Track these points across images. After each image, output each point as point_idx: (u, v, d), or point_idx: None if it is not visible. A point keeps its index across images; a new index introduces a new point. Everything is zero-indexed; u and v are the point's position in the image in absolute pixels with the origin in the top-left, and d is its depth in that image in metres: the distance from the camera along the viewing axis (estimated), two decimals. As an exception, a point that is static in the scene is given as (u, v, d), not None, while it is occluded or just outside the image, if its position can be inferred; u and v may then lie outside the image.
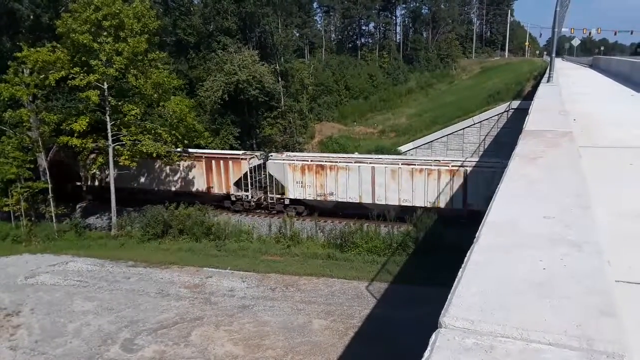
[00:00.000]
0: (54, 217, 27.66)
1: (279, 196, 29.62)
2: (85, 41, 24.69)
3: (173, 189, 31.28)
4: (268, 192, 30.18)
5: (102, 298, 19.51)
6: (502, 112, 39.45)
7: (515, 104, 39.07)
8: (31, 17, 32.23)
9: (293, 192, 28.84)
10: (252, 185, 29.96)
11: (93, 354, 15.60)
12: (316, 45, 72.06)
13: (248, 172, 29.54)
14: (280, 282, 20.65)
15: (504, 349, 1.88)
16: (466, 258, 2.68)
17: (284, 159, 29.33)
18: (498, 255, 2.73)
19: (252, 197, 30.14)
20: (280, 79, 42.34)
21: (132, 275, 21.83)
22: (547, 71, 20.84)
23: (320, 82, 51.67)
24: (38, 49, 26.06)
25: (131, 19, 25.76)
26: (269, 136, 40.76)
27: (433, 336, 1.99)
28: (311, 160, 28.73)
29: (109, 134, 26.93)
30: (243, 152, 31.88)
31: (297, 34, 64.49)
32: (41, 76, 26.04)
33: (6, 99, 26.30)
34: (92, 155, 29.08)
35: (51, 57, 25.33)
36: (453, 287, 2.34)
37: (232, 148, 36.50)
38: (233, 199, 30.34)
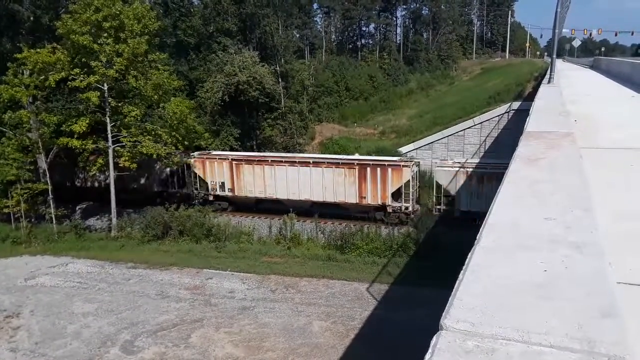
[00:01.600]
0: (53, 219, 27.68)
1: (445, 207, 27.19)
2: (85, 42, 24.75)
3: (313, 199, 28.37)
4: (433, 203, 27.54)
5: (102, 300, 19.49)
6: (503, 113, 39.40)
7: (516, 105, 39.02)
8: (31, 18, 32.23)
9: (467, 203, 26.23)
10: (412, 194, 27.02)
11: (93, 356, 15.59)
12: (316, 47, 72.04)
13: (410, 181, 26.56)
14: (280, 284, 20.63)
15: (505, 351, 1.87)
16: (467, 260, 2.66)
17: (455, 166, 26.98)
18: (499, 257, 2.71)
19: (412, 208, 27.16)
20: (280, 80, 42.31)
21: (132, 276, 21.82)
22: (548, 72, 20.81)
23: (321, 83, 51.68)
24: (38, 50, 26.12)
25: (131, 20, 25.82)
26: (269, 137, 40.75)
27: (434, 338, 1.98)
28: (491, 168, 25.41)
29: (109, 135, 26.96)
30: (399, 157, 29.11)
31: (298, 35, 64.50)
32: (41, 77, 26.11)
33: (6, 100, 26.34)
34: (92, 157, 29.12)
35: (51, 59, 25.39)
36: (454, 289, 2.32)
37: (232, 149, 36.49)
38: (390, 210, 27.08)
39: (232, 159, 29.94)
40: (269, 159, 29.50)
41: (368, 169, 27.18)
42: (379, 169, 27.01)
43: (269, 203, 29.52)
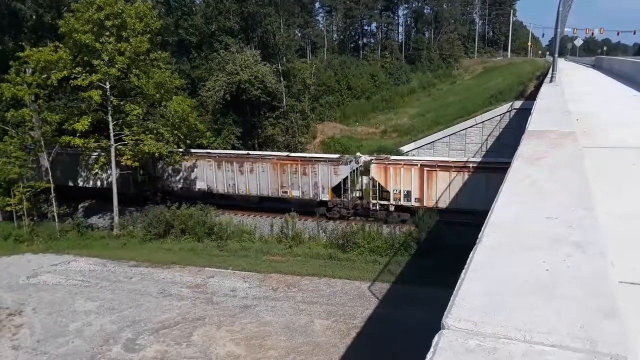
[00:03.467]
0: (56, 217, 27.73)
1: None
2: (87, 41, 24.77)
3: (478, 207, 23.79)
4: None
5: (104, 298, 19.53)
6: (505, 112, 39.36)
7: (518, 104, 38.98)
8: (34, 17, 32.34)
9: None
10: None
11: (95, 354, 15.62)
12: (318, 45, 72.01)
13: None
14: (282, 282, 20.64)
15: (506, 350, 1.87)
16: (469, 259, 2.67)
17: None
18: (501, 256, 2.71)
19: None
20: (282, 79, 42.30)
21: (134, 275, 21.86)
22: (550, 71, 20.78)
23: (322, 82, 51.65)
24: (40, 48, 26.17)
25: (133, 19, 25.83)
26: (271, 136, 40.76)
27: (436, 337, 1.98)
28: None
29: (111, 134, 26.99)
30: None
31: (299, 34, 64.53)
32: (43, 76, 26.15)
33: (8, 98, 26.40)
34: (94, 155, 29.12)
35: (53, 57, 25.43)
36: (456, 288, 2.33)
37: (233, 148, 36.48)
38: None
39: (422, 165, 26.44)
40: (470, 165, 25.76)
41: None
42: None
43: (460, 215, 24.82)
